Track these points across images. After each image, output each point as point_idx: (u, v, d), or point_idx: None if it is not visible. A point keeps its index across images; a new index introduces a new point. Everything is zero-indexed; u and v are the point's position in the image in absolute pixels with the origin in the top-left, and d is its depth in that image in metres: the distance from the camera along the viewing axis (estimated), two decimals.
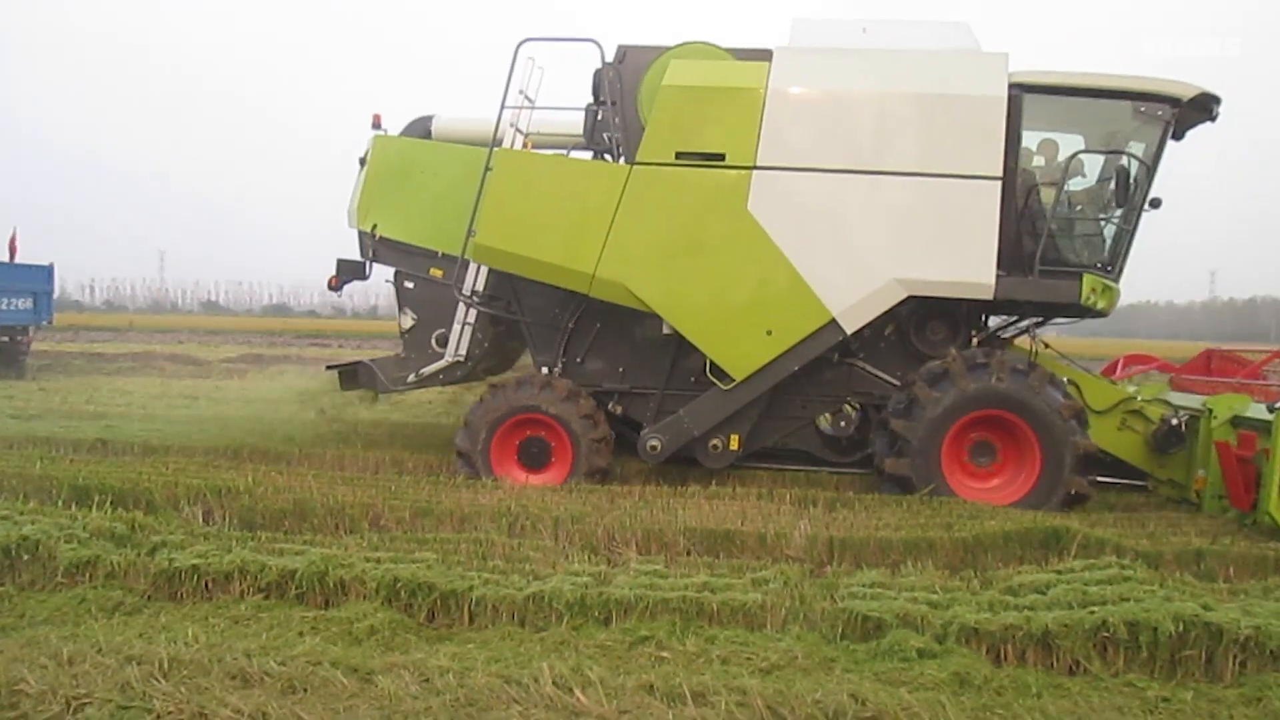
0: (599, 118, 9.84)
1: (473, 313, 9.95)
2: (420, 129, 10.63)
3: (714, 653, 5.00)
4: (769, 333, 8.92)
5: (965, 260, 8.73)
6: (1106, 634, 4.94)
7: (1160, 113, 8.99)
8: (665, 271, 8.98)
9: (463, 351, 10.00)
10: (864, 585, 5.82)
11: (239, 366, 24.66)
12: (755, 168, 8.82)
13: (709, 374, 9.19)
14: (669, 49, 9.41)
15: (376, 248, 10.30)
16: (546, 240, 9.14)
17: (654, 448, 9.31)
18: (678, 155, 8.94)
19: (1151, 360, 12.23)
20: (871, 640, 5.14)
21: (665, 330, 9.28)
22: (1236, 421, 8.58)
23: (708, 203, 8.91)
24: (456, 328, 9.97)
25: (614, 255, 8.98)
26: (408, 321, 10.26)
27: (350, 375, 10.58)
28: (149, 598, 5.79)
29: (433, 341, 10.16)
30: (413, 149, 10.36)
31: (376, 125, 10.53)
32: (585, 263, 9.03)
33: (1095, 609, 5.11)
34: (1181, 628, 4.91)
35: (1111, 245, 9.30)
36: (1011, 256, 8.85)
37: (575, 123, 10.04)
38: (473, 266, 9.78)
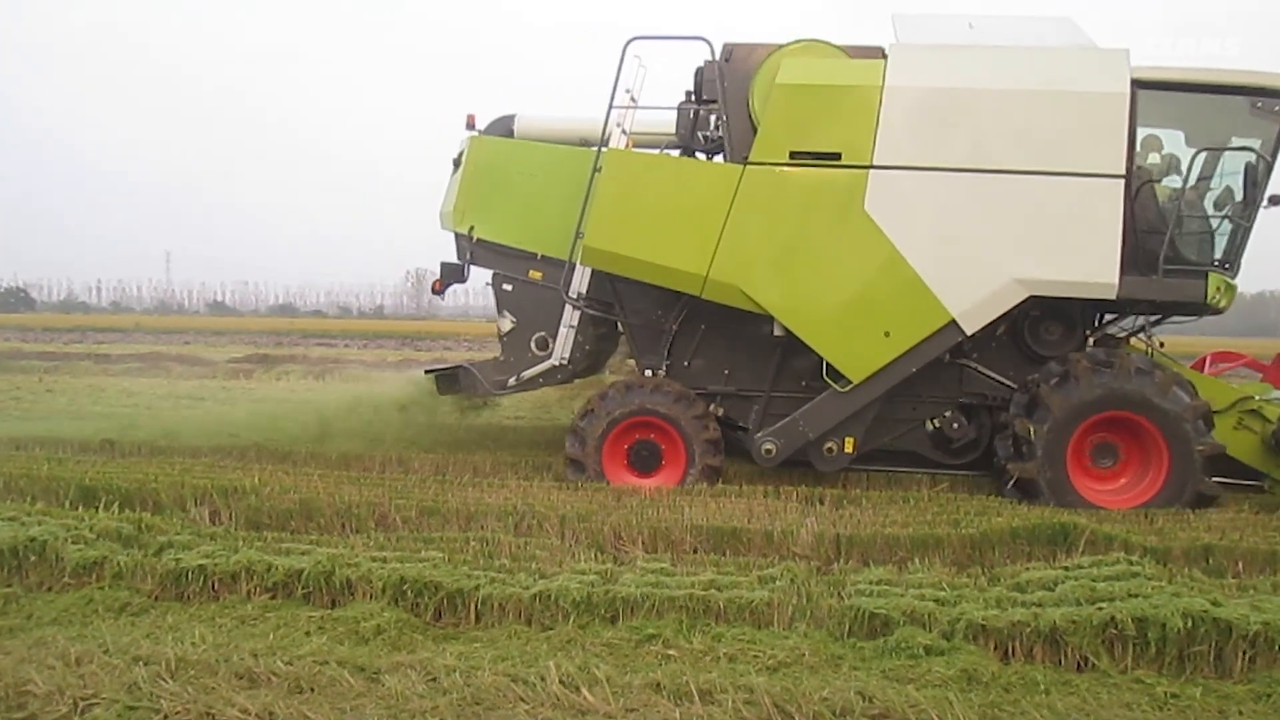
0: (695, 116, 9.79)
1: (576, 316, 9.83)
2: (502, 128, 10.47)
3: (721, 650, 5.00)
4: (887, 334, 8.77)
5: (1088, 259, 8.57)
6: (1115, 630, 4.92)
7: (1278, 108, 8.83)
8: (780, 273, 8.86)
9: (566, 355, 9.88)
10: (871, 582, 5.80)
11: (245, 366, 24.68)
12: (872, 167, 8.68)
13: (825, 376, 9.06)
14: (779, 46, 9.23)
15: (474, 250, 10.15)
16: (658, 242, 9.02)
17: (769, 451, 9.14)
18: (792, 155, 8.79)
19: (1240, 357, 12.06)
20: (879, 638, 5.13)
21: (776, 332, 9.18)
22: None
23: (823, 203, 8.77)
24: (563, 331, 9.83)
25: (727, 257, 8.86)
26: (506, 324, 10.12)
27: (449, 379, 10.46)
28: (156, 598, 5.80)
29: (532, 344, 10.05)
30: (510, 150, 10.21)
31: (471, 126, 10.38)
32: (698, 264, 8.91)
33: (1103, 605, 5.09)
34: (1190, 624, 4.89)
35: (1230, 243, 9.15)
36: (1134, 255, 8.70)
37: (668, 121, 9.93)
38: (579, 269, 9.67)
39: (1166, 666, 4.88)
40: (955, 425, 9.44)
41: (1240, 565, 6.58)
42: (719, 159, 9.67)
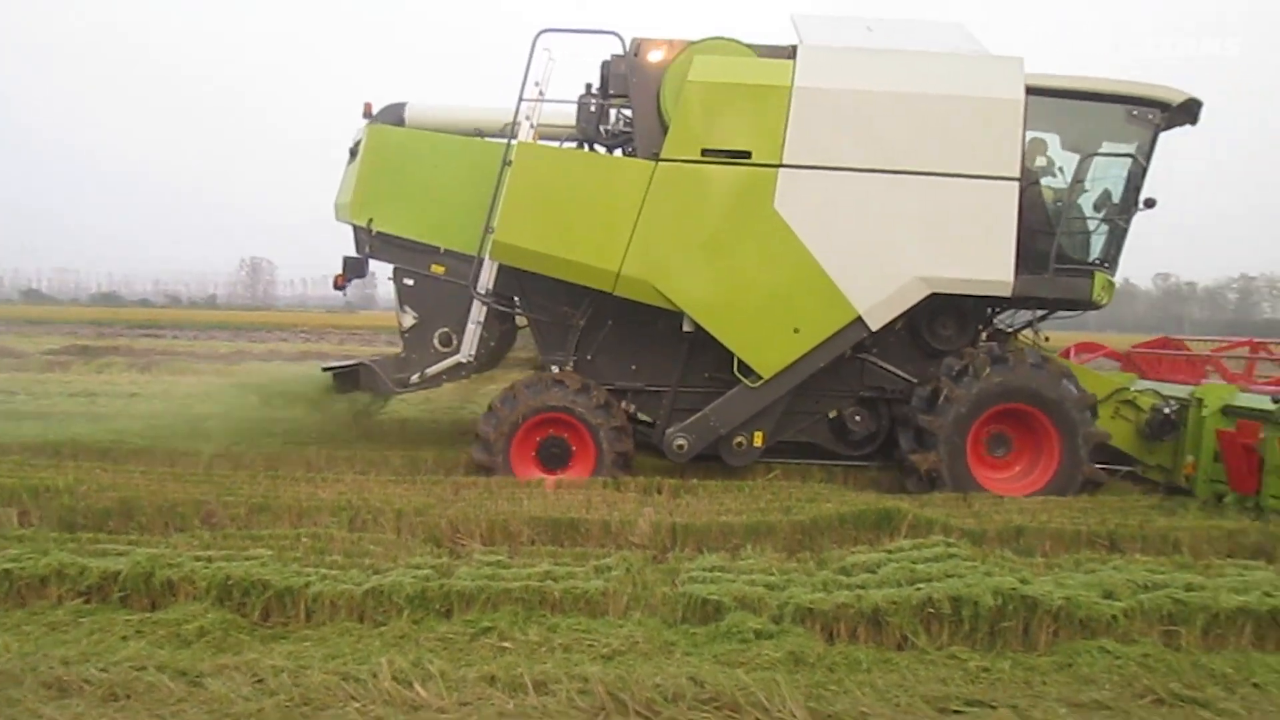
0: (601, 110, 9.70)
1: (483, 312, 9.66)
2: (392, 116, 10.14)
3: (556, 641, 5.03)
4: (796, 330, 8.95)
5: (986, 259, 8.89)
6: (932, 609, 5.17)
7: (1151, 116, 9.37)
8: (692, 269, 8.90)
9: (473, 351, 9.71)
10: (704, 570, 5.93)
11: (62, 359, 23.32)
12: (781, 166, 8.79)
13: (736, 372, 9.16)
14: (690, 43, 9.23)
15: (373, 243, 9.83)
16: (569, 237, 8.96)
17: (681, 446, 9.21)
18: (703, 152, 8.84)
19: (1101, 348, 12.61)
20: (711, 623, 5.25)
21: (686, 328, 9.21)
22: (1227, 410, 9.06)
23: (734, 200, 8.85)
24: (470, 327, 9.66)
25: (639, 253, 8.86)
26: (408, 320, 9.83)
27: (349, 378, 10.14)
28: None
29: (435, 341, 9.79)
30: (411, 140, 9.87)
31: (368, 115, 10.06)
32: (610, 260, 8.89)
33: (922, 586, 5.35)
34: (1000, 601, 5.19)
35: (1110, 243, 9.66)
36: (1026, 255, 9.03)
37: (568, 114, 9.80)
38: (486, 264, 9.49)
39: (979, 642, 5.16)
40: (856, 418, 9.71)
41: (1048, 545, 7.02)
42: (619, 153, 9.70)
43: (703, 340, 9.19)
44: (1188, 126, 9.70)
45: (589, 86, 9.82)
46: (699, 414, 9.29)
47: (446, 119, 10.12)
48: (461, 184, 9.57)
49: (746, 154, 8.80)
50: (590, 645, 4.99)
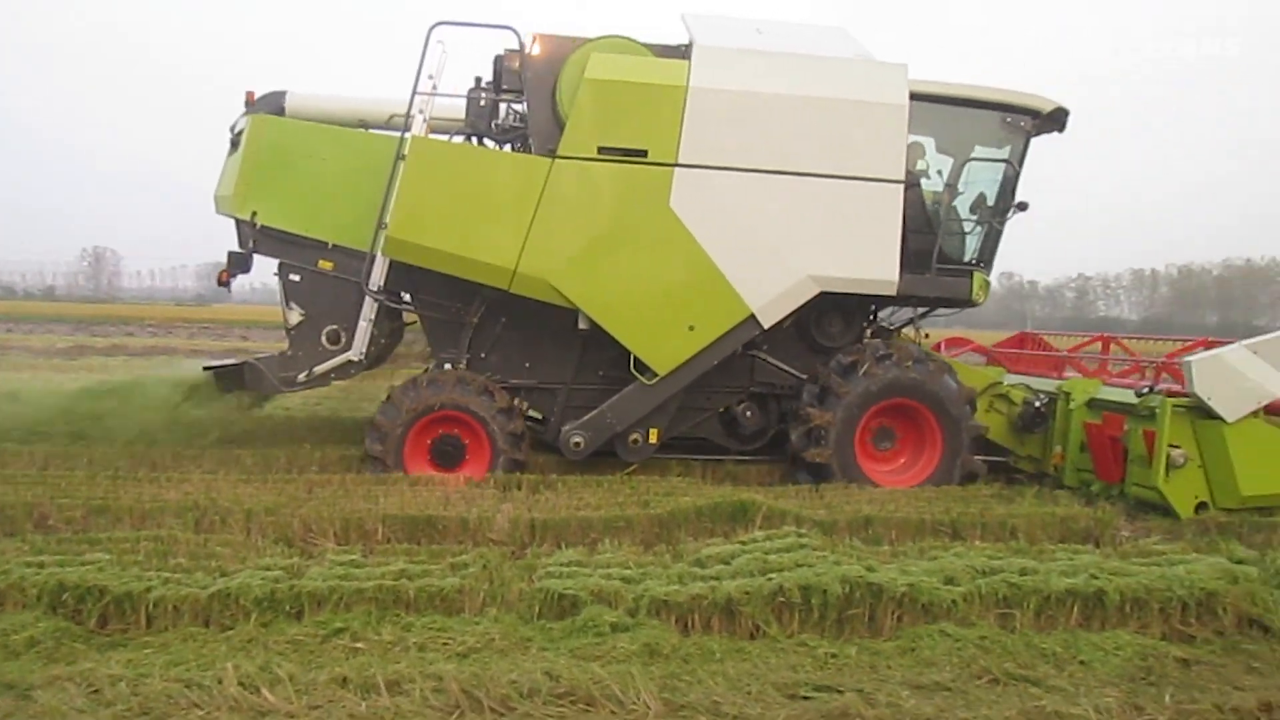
0: (494, 104, 9.58)
1: (374, 309, 9.39)
2: (272, 105, 9.68)
3: (411, 640, 4.97)
4: (691, 328, 9.03)
5: (872, 258, 9.15)
6: (783, 598, 5.32)
7: (1023, 123, 9.80)
8: (589, 267, 8.90)
9: (364, 349, 9.43)
10: (561, 564, 5.94)
11: None
12: (677, 165, 8.85)
13: (632, 369, 9.18)
14: (588, 40, 9.16)
15: (257, 237, 9.40)
16: (465, 234, 8.84)
17: (578, 444, 9.18)
18: (600, 150, 8.82)
19: (968, 343, 13.07)
20: (568, 618, 5.27)
21: (582, 325, 9.17)
22: (1092, 403, 9.55)
23: (631, 199, 8.87)
24: (361, 324, 9.37)
25: (536, 250, 8.80)
26: (295, 317, 9.45)
27: (231, 376, 9.76)
28: None
29: (323, 338, 9.45)
30: (298, 131, 9.46)
31: (250, 104, 9.62)
32: (506, 258, 8.81)
33: (774, 576, 5.48)
34: (848, 589, 5.37)
35: (987, 244, 10.10)
36: (910, 255, 9.31)
37: (456, 107, 9.60)
38: (379, 260, 9.23)
39: (828, 629, 5.33)
40: (748, 414, 9.84)
41: (894, 534, 7.26)
42: (507, 148, 9.58)
43: (597, 338, 9.21)
44: (1055, 133, 10.18)
45: (479, 80, 9.70)
46: (596, 411, 9.29)
47: (329, 109, 9.77)
48: (351, 177, 9.32)
49: (643, 152, 8.84)
50: (445, 643, 4.95)
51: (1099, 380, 10.27)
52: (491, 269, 8.90)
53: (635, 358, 9.15)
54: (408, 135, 9.03)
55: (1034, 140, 10.02)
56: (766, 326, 9.15)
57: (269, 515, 6.98)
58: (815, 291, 9.18)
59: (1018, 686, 4.76)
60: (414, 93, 9.13)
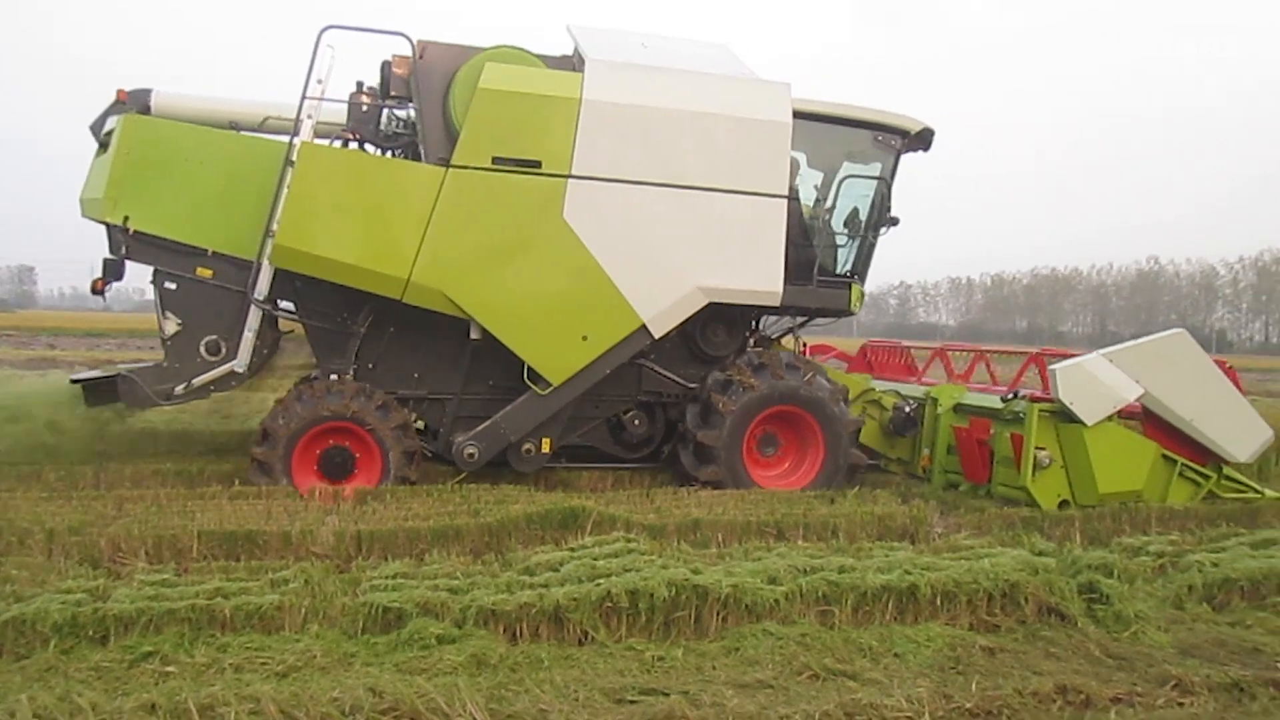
0: (380, 111, 9.40)
1: (259, 318, 9.01)
2: (137, 104, 9.14)
3: (226, 661, 4.78)
4: (584, 338, 9.10)
5: (759, 270, 9.44)
6: (611, 603, 5.36)
7: (893, 142, 10.29)
8: (484, 278, 8.85)
9: (248, 360, 9.03)
10: (387, 577, 5.81)
11: None
12: (570, 176, 8.89)
13: (526, 379, 9.18)
14: (481, 50, 9.07)
15: (130, 244, 8.86)
16: (357, 243, 8.65)
17: (472, 455, 9.10)
18: (494, 160, 8.78)
19: (831, 350, 13.44)
20: (393, 631, 5.17)
21: (474, 335, 9.15)
22: (958, 408, 10.26)
23: (525, 209, 8.88)
24: (246, 335, 8.99)
25: (430, 260, 8.70)
26: (171, 327, 8.98)
27: (102, 390, 9.23)
28: None
29: (201, 349, 9.02)
30: (174, 133, 8.95)
31: (122, 102, 9.09)
32: (399, 267, 8.67)
33: (601, 581, 5.51)
34: (674, 592, 5.45)
35: (861, 256, 10.54)
36: (793, 267, 9.62)
37: (336, 111, 9.34)
38: (266, 268, 8.86)
39: (655, 632, 5.40)
40: (636, 422, 10.00)
41: (722, 536, 7.42)
42: (389, 154, 9.45)
43: (487, 348, 9.20)
44: (921, 152, 10.73)
45: (360, 85, 9.51)
46: (490, 422, 9.24)
47: (198, 110, 9.34)
48: (232, 182, 8.97)
49: (537, 163, 8.87)
50: (264, 663, 4.78)
51: (964, 386, 10.91)
52: (384, 278, 8.76)
53: (529, 368, 9.16)
54: (296, 140, 8.78)
55: (902, 158, 10.53)
56: (657, 337, 9.32)
57: (73, 535, 6.60)
58: (704, 302, 9.41)
59: (836, 681, 4.94)
60: (303, 97, 8.89)
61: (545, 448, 9.51)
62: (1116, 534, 8.20)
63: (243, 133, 9.26)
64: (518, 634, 5.24)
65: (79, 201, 9.24)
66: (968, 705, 4.62)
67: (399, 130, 9.55)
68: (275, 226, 8.66)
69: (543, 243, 8.96)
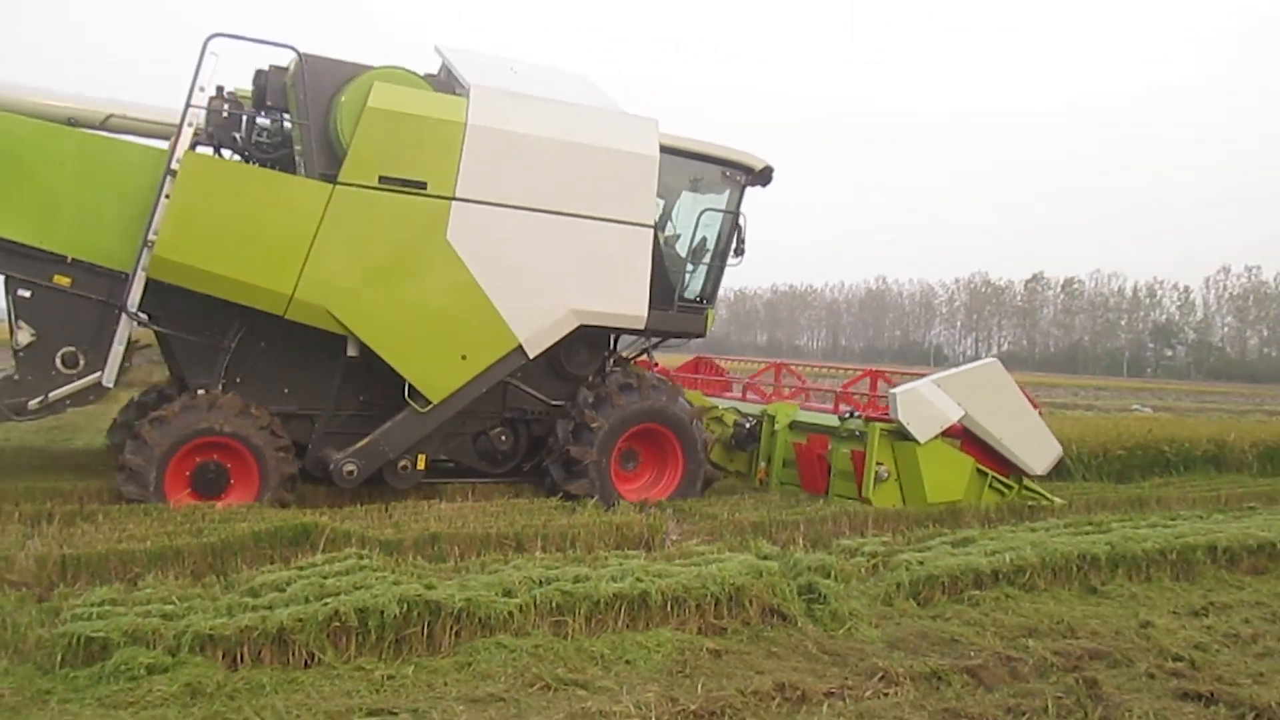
0: (226, 116, 9.03)
1: (128, 332, 8.56)
2: None
3: None
4: (463, 357, 9.27)
5: (626, 295, 9.96)
6: (339, 623, 5.18)
7: (739, 177, 11.06)
8: (367, 295, 8.86)
9: (115, 374, 8.56)
10: (92, 605, 5.36)
11: None
12: (454, 199, 9.02)
13: (406, 397, 9.19)
14: (368, 68, 9.02)
15: None
16: (241, 257, 8.46)
17: (350, 472, 9.05)
18: (381, 179, 8.78)
19: (654, 366, 13.47)
20: (96, 663, 4.78)
21: (351, 352, 9.12)
22: (793, 425, 11.32)
23: (410, 229, 8.96)
24: (116, 348, 8.52)
25: (314, 276, 8.61)
26: (25, 337, 8.39)
27: None
28: None
29: (57, 361, 8.45)
30: (25, 130, 8.32)
31: None
32: (283, 283, 8.54)
33: (330, 600, 5.32)
34: (406, 608, 5.34)
35: (713, 282, 11.25)
36: (656, 292, 10.17)
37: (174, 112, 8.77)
38: (140, 279, 8.41)
39: (386, 651, 5.27)
40: (502, 438, 10.22)
41: (459, 549, 7.35)
42: (252, 164, 9.16)
43: (359, 364, 9.23)
44: (761, 187, 11.41)
45: (221, 90, 9.11)
46: (369, 439, 9.22)
47: (32, 105, 8.69)
48: (95, 186, 8.49)
49: (423, 184, 8.95)
50: None
51: (796, 404, 11.97)
52: (266, 294, 8.60)
53: (409, 385, 9.18)
54: (179, 148, 8.39)
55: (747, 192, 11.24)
56: (532, 356, 9.63)
57: None
58: (576, 324, 9.78)
59: (568, 691, 4.99)
60: (187, 104, 8.49)
61: (421, 464, 9.65)
62: (837, 536, 8.71)
63: (96, 132, 8.81)
64: (238, 659, 4.98)
65: None
66: (692, 707, 4.77)
67: (262, 140, 9.28)
68: (154, 236, 8.30)
69: (426, 262, 9.08)
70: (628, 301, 10.03)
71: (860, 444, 10.32)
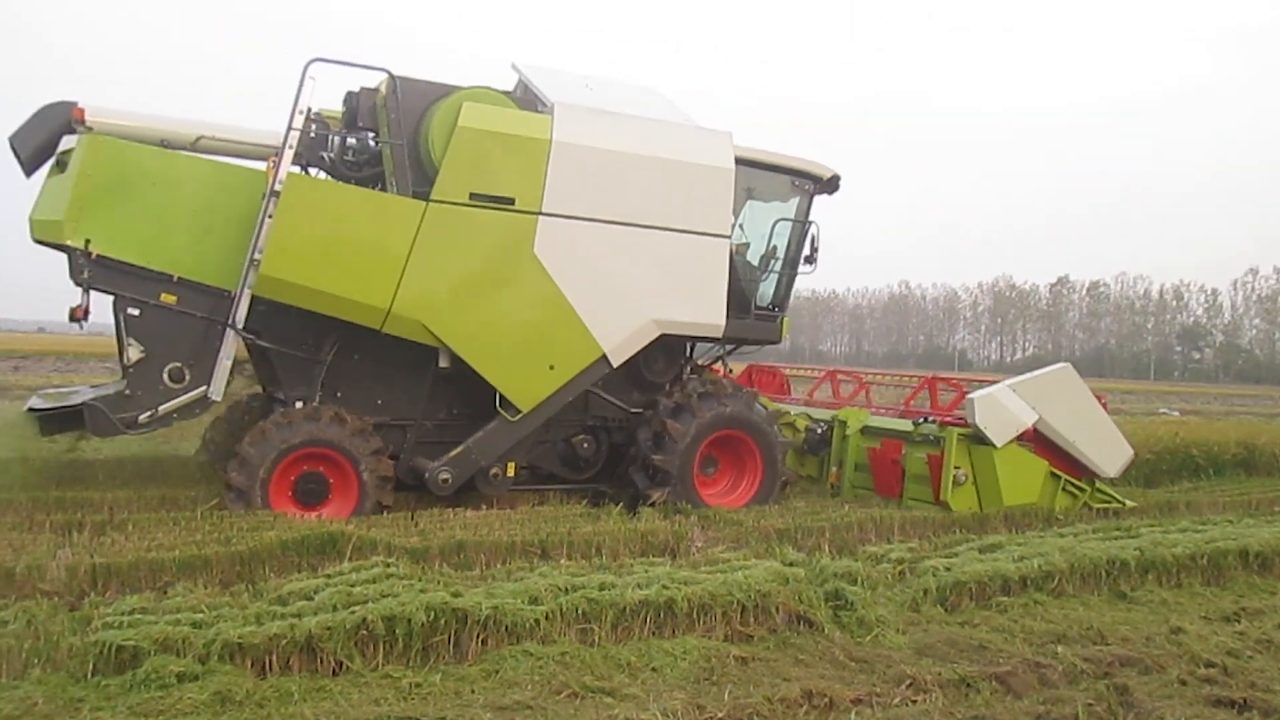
0: (314, 135, 9.29)
1: (234, 347, 8.89)
2: (60, 117, 8.83)
3: None
4: (551, 367, 9.58)
5: (705, 304, 10.23)
6: (366, 631, 5.21)
7: (808, 186, 11.31)
8: (460, 308, 9.18)
9: (223, 386, 8.87)
10: (123, 613, 5.41)
11: None
12: (541, 214, 9.31)
13: (497, 406, 9.47)
14: (456, 89, 9.39)
15: (92, 268, 8.42)
16: (341, 273, 8.78)
17: (445, 480, 9.34)
18: (472, 196, 9.09)
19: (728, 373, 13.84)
20: (128, 672, 4.82)
21: (443, 363, 9.45)
22: (865, 430, 11.60)
23: (499, 244, 9.26)
24: (224, 363, 8.84)
25: (411, 291, 8.93)
26: (134, 354, 8.63)
27: (64, 419, 9.01)
28: None
29: (165, 376, 8.71)
30: (142, 156, 8.70)
31: (80, 122, 8.74)
32: (381, 298, 8.87)
33: (357, 609, 5.34)
34: (432, 616, 5.36)
35: (784, 291, 11.51)
36: (733, 301, 10.45)
37: (259, 132, 9.39)
38: (246, 296, 8.74)
39: (412, 659, 5.29)
40: (585, 445, 10.45)
41: (485, 557, 7.36)
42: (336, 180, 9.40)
43: (447, 374, 9.54)
44: (828, 195, 11.61)
45: (308, 112, 9.24)
46: (462, 447, 9.49)
47: (130, 128, 8.98)
48: (197, 207, 8.86)
49: (511, 200, 9.25)
50: None
51: (866, 410, 12.31)
52: (365, 308, 8.92)
53: (500, 395, 9.48)
54: (282, 170, 8.72)
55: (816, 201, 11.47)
56: (616, 365, 9.89)
57: None
58: (657, 334, 10.07)
59: (595, 698, 4.99)
60: (289, 128, 8.85)
61: (510, 471, 9.90)
62: (863, 542, 8.67)
63: (208, 157, 9.23)
64: (267, 667, 5.02)
65: (29, 222, 8.82)
66: (720, 715, 4.78)
67: (347, 158, 9.53)
68: (259, 255, 8.60)
69: (514, 276, 9.36)
70: (707, 310, 10.32)
71: (935, 449, 10.63)
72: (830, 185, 11.56)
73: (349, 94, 9.74)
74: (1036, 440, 10.71)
